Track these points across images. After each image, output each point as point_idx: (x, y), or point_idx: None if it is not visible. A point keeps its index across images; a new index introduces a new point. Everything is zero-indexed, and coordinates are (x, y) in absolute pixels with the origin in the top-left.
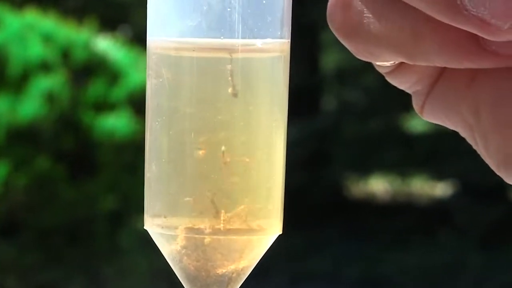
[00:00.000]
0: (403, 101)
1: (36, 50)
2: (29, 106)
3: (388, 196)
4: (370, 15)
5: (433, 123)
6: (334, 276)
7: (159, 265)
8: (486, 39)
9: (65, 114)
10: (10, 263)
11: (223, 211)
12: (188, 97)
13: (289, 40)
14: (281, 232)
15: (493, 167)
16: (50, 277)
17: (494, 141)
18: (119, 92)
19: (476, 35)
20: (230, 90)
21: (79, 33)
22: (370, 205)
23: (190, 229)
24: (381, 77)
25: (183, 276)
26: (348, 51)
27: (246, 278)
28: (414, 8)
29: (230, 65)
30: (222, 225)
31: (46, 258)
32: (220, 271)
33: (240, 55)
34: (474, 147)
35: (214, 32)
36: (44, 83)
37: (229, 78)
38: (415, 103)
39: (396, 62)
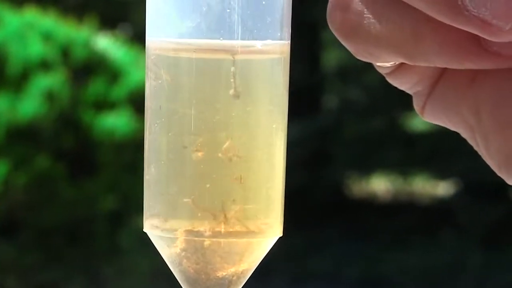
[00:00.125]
0: (404, 100)
1: (36, 48)
2: (29, 105)
3: (389, 195)
4: (370, 16)
5: None
6: (335, 276)
7: (159, 265)
8: (487, 40)
9: (65, 113)
10: (9, 263)
11: (222, 213)
12: (188, 98)
13: (289, 42)
14: (281, 235)
15: (494, 168)
16: (50, 277)
17: (495, 142)
18: (119, 91)
19: (477, 35)
20: (231, 91)
21: (79, 31)
22: (371, 205)
23: (189, 232)
24: (382, 76)
25: (182, 279)
26: (348, 49)
27: None
28: (414, 8)
29: (233, 67)
30: (222, 227)
31: (46, 258)
32: (220, 274)
33: (239, 57)
34: (475, 148)
35: (214, 33)
36: (44, 82)
37: (232, 80)
38: (416, 104)
39: (397, 63)
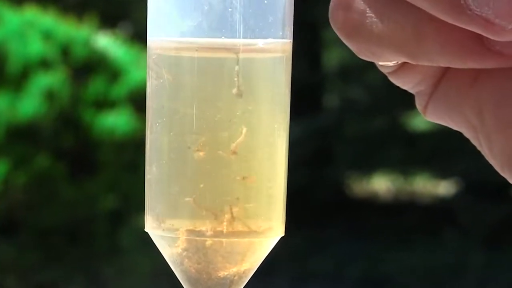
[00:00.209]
0: (406, 99)
1: (35, 47)
2: (29, 104)
3: (390, 195)
4: (372, 15)
5: None
6: (336, 276)
7: (160, 265)
8: (490, 39)
9: (65, 112)
10: (9, 263)
11: (224, 213)
12: (189, 97)
13: (291, 40)
14: (283, 234)
15: (497, 168)
16: (50, 277)
17: (498, 142)
18: (120, 89)
19: (480, 35)
20: (235, 90)
21: (79, 30)
22: (372, 204)
23: (191, 232)
24: (384, 75)
25: (184, 279)
26: (350, 48)
27: None
28: (417, 7)
29: (237, 66)
30: (224, 227)
31: (46, 258)
32: (221, 273)
33: (241, 56)
34: (478, 148)
35: (215, 32)
36: (44, 81)
37: (235, 79)
38: (418, 104)
39: (399, 62)
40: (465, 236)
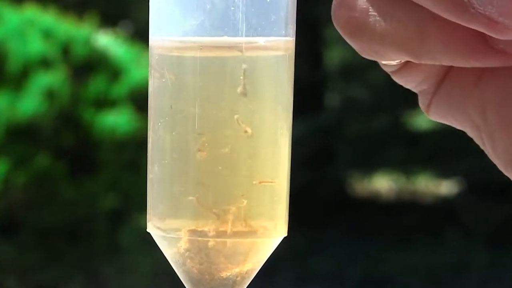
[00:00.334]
0: (408, 98)
1: (36, 46)
2: (29, 103)
3: (392, 194)
4: (375, 13)
5: None
6: (338, 275)
7: (161, 264)
8: (494, 38)
9: (65, 111)
10: (9, 263)
11: (227, 213)
12: (192, 96)
13: (294, 39)
14: (286, 235)
15: (501, 167)
16: (50, 277)
17: (501, 141)
18: (120, 89)
19: (483, 33)
20: (240, 89)
21: (80, 29)
22: (374, 204)
23: (193, 232)
24: (386, 74)
25: (186, 279)
26: (353, 47)
27: None
28: (420, 6)
29: (244, 64)
30: (226, 227)
31: (46, 258)
32: (224, 274)
33: (244, 54)
34: (482, 147)
35: (218, 31)
36: (44, 80)
37: (241, 77)
38: (421, 103)
39: (402, 61)
40: (467, 236)
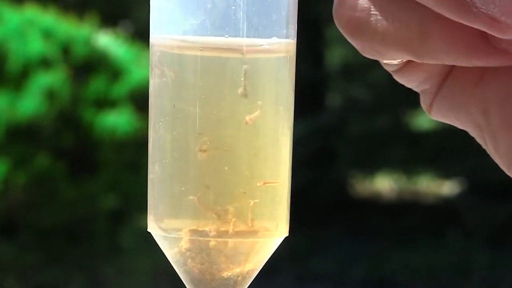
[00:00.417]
0: (409, 98)
1: (36, 46)
2: (29, 103)
3: (394, 194)
4: (377, 13)
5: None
6: (339, 276)
7: (161, 264)
8: (496, 37)
9: (66, 111)
10: (9, 263)
11: (228, 213)
12: (193, 96)
13: (295, 40)
14: (287, 235)
15: (503, 167)
16: (50, 277)
17: (503, 141)
18: (120, 89)
19: (485, 33)
20: (240, 90)
21: (80, 29)
22: (375, 204)
23: (194, 232)
24: (387, 73)
25: (187, 279)
26: (354, 47)
27: None
28: (421, 5)
29: (245, 65)
30: (228, 227)
31: (46, 258)
32: (225, 274)
33: (246, 56)
34: (484, 147)
35: (218, 31)
36: (44, 80)
37: (242, 78)
38: (423, 102)
39: (404, 61)
40: (469, 236)
